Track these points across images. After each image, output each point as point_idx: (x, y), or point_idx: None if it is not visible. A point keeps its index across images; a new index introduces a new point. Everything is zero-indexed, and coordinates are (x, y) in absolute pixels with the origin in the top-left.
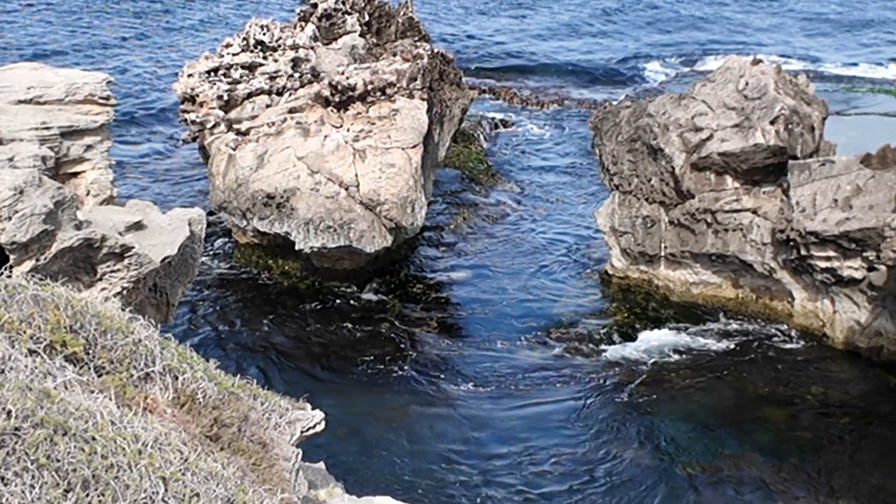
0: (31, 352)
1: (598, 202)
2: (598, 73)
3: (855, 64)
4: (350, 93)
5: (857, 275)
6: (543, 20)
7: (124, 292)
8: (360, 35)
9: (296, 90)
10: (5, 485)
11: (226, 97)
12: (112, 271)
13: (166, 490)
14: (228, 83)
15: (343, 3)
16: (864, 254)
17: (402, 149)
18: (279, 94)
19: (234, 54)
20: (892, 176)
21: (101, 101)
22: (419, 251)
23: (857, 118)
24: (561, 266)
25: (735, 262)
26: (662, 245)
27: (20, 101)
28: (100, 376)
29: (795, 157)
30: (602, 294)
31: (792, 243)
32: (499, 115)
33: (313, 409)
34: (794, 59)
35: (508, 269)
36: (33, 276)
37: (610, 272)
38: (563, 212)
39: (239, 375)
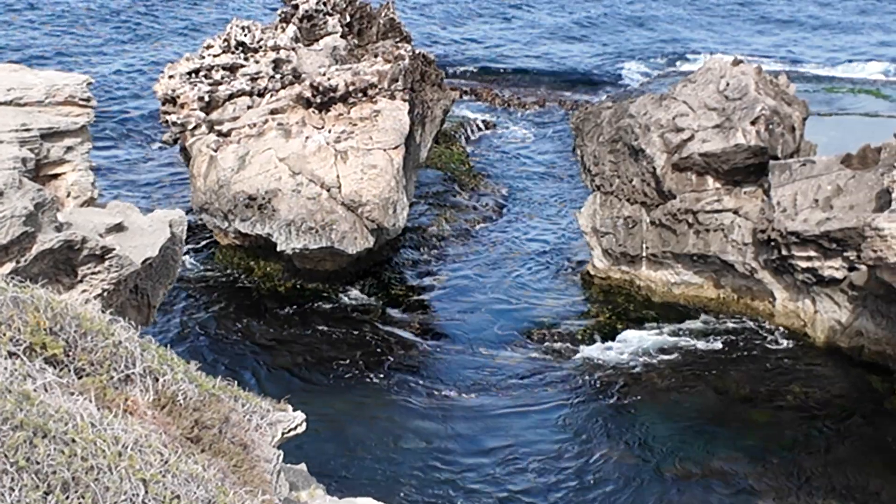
0: (11, 354)
1: (580, 203)
2: (580, 74)
3: (835, 64)
4: (331, 94)
5: (838, 275)
6: (525, 24)
7: (105, 294)
8: (341, 36)
9: (277, 91)
10: None
11: (207, 98)
12: (93, 273)
13: (147, 492)
14: (209, 84)
15: (324, 5)
16: (845, 254)
17: (384, 150)
18: (260, 95)
19: (214, 55)
20: (873, 176)
21: (81, 102)
22: (401, 252)
23: (838, 118)
24: (542, 267)
25: (716, 263)
26: (644, 245)
27: (0, 103)
28: (80, 378)
29: (776, 158)
30: (583, 295)
31: (773, 243)
32: (481, 117)
33: (294, 410)
34: (774, 59)
35: (490, 270)
36: (13, 278)
37: (591, 273)
38: (544, 213)
39: (220, 377)
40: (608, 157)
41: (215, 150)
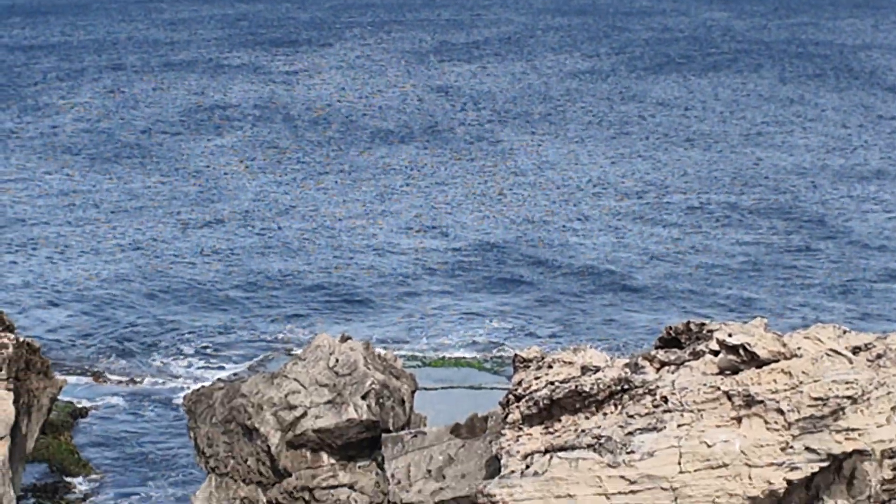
0: None
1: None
2: None
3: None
4: None
5: None
6: None
7: None
8: None
9: None
10: None
11: None
12: None
13: None
14: None
15: None
16: None
17: None
18: None
19: None
20: (482, 444)
21: None
22: None
23: (444, 391)
24: None
25: None
26: None
27: None
28: None
29: (388, 431)
30: None
31: None
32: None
33: None
34: None
35: None
36: None
37: None
38: (161, 498)
39: None
40: (222, 438)
41: None
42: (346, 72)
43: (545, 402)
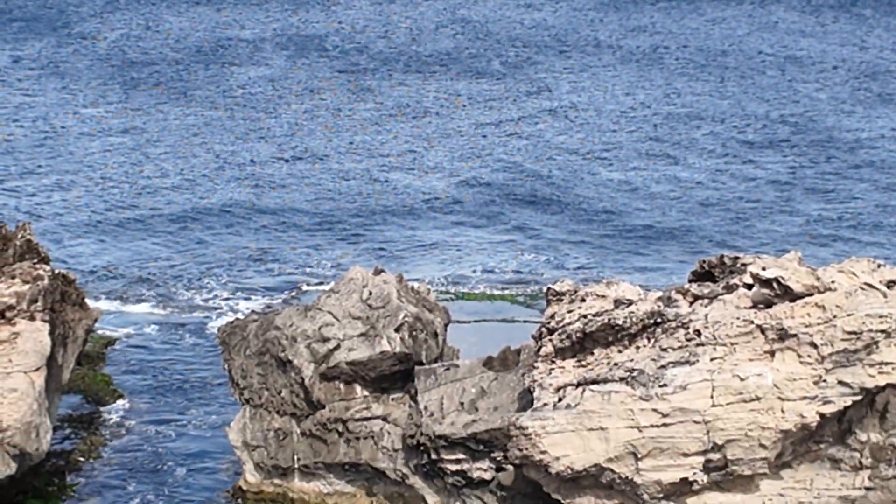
0: None
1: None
2: None
3: None
4: None
5: (487, 476)
6: None
7: None
8: None
9: None
10: None
11: None
12: None
13: None
14: None
15: None
16: (493, 454)
17: (25, 372)
18: None
19: None
20: (514, 377)
21: None
22: (44, 479)
23: (477, 325)
24: (193, 483)
25: (368, 471)
26: (295, 457)
27: None
28: None
29: (421, 363)
30: None
31: (422, 448)
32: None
33: None
34: None
35: (140, 488)
36: None
37: (244, 487)
38: (195, 427)
39: None
40: (256, 369)
41: None
42: (378, 1)
43: (578, 335)
